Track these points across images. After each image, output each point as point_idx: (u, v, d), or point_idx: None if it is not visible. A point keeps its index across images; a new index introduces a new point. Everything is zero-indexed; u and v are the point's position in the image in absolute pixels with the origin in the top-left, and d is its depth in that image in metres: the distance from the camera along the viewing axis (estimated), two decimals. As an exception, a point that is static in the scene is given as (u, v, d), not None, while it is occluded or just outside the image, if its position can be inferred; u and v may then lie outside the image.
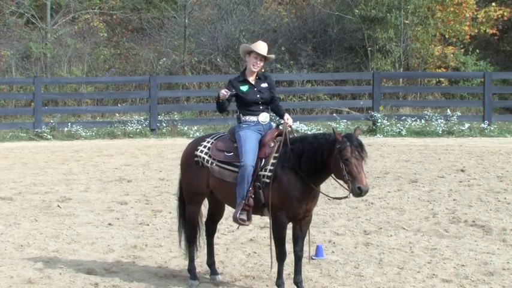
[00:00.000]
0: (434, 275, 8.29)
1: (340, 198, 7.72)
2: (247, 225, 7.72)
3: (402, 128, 21.65)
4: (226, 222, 10.75)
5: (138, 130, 21.63)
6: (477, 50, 27.59)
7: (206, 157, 7.81)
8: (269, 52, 7.99)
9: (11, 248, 9.45)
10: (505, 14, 27.82)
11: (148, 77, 23.21)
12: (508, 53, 30.02)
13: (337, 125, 21.69)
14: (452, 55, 27.49)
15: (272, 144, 7.57)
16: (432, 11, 27.21)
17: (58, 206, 11.86)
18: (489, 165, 15.58)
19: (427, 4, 26.98)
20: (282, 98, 24.89)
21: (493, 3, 28.12)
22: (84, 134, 21.28)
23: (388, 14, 26.66)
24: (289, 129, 7.63)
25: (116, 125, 21.83)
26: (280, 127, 7.81)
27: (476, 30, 27.68)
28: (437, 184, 13.49)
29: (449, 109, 22.64)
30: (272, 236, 7.52)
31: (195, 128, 21.87)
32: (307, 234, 7.69)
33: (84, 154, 17.85)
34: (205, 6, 30.21)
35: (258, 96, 7.82)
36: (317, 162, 7.21)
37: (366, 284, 8.01)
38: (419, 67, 27.63)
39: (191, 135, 21.13)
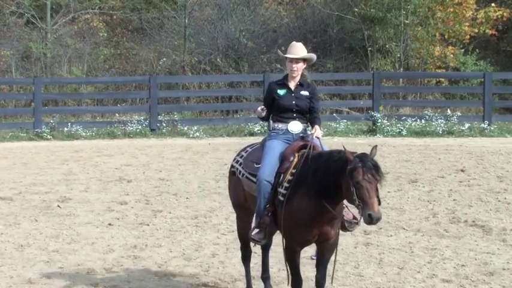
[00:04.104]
0: (434, 275, 8.30)
1: (350, 223, 6.91)
2: (262, 244, 7.17)
3: (402, 128, 21.65)
4: (226, 222, 10.76)
5: (138, 130, 21.62)
6: (477, 50, 27.60)
7: (240, 168, 7.31)
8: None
9: (11, 248, 9.45)
10: (505, 14, 27.83)
11: (148, 77, 23.21)
12: (508, 53, 30.02)
13: (337, 125, 21.68)
14: (452, 55, 27.50)
15: (292, 158, 6.90)
16: (432, 11, 27.22)
17: (58, 206, 11.86)
18: (489, 165, 15.58)
19: (427, 4, 26.99)
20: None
21: (493, 4, 28.12)
22: (84, 134, 21.27)
23: (388, 14, 26.67)
24: (317, 141, 6.92)
25: (116, 125, 21.82)
26: (309, 138, 7.12)
27: (476, 30, 27.68)
28: (437, 184, 13.49)
29: (449, 109, 22.64)
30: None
31: (195, 128, 21.87)
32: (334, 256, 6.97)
33: (84, 154, 17.85)
34: (205, 6, 30.20)
35: (294, 102, 7.15)
36: (329, 182, 6.47)
37: (366, 284, 8.01)
38: (419, 67, 27.64)
39: (191, 135, 21.16)
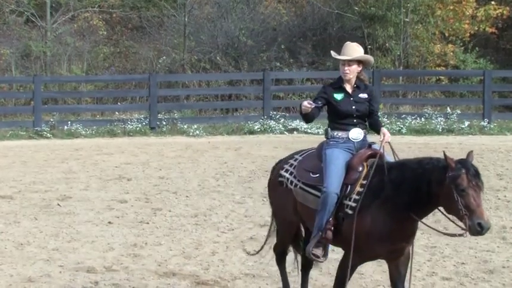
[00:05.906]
0: (434, 273, 8.30)
1: (453, 235, 6.40)
2: (322, 261, 6.66)
3: (402, 126, 21.63)
4: (225, 220, 10.77)
5: (137, 128, 21.61)
6: (477, 48, 27.58)
7: (291, 178, 6.76)
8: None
9: (11, 246, 9.45)
10: (505, 12, 27.82)
11: (148, 76, 23.20)
12: (508, 51, 30.00)
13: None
14: (452, 53, 27.49)
15: (360, 169, 6.42)
16: (432, 9, 27.21)
17: (58, 204, 11.86)
18: (489, 163, 15.57)
19: (427, 2, 26.99)
20: (281, 96, 24.91)
21: (493, 2, 28.11)
22: (84, 132, 21.26)
23: (388, 12, 26.66)
24: (387, 146, 6.55)
25: (115, 123, 21.81)
26: (375, 146, 6.63)
27: (476, 28, 27.68)
28: (437, 182, 13.47)
29: (449, 107, 22.63)
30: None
31: (195, 126, 21.85)
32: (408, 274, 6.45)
33: (84, 152, 17.83)
34: (205, 4, 30.19)
35: (354, 107, 6.62)
36: (421, 193, 6.03)
37: (366, 282, 8.01)
38: (419, 65, 27.62)
39: (191, 134, 21.14)
